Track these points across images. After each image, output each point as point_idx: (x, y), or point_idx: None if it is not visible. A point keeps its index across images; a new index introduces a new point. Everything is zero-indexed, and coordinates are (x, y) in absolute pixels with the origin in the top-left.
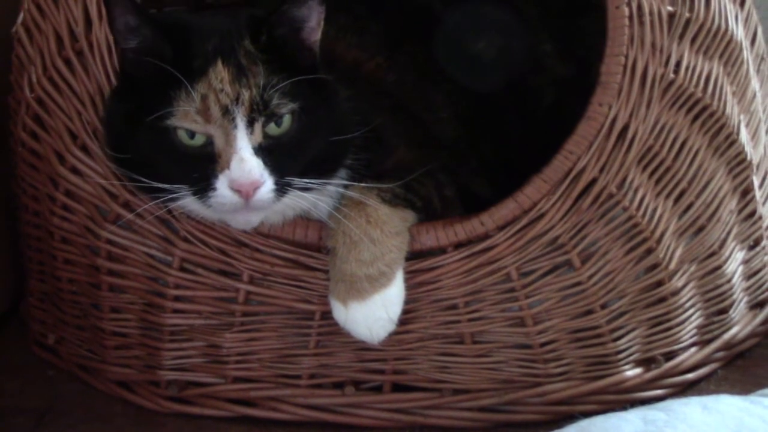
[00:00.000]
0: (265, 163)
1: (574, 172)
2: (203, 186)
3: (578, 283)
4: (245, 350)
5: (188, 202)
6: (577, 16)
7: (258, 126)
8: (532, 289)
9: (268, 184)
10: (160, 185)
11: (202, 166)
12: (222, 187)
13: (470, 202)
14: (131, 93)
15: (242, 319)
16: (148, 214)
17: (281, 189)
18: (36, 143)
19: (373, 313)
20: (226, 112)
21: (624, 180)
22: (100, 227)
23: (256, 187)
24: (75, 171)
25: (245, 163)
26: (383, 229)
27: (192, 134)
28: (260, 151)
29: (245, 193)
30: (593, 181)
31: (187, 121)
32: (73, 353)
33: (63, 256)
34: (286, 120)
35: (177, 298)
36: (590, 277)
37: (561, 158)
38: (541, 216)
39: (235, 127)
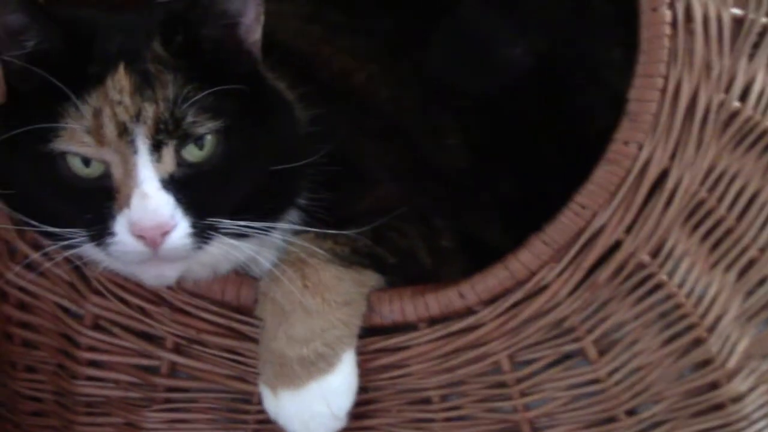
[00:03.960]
0: (178, 199)
1: (587, 234)
2: (100, 230)
3: (595, 381)
4: None
5: (87, 250)
6: None
7: (168, 151)
8: (531, 385)
9: (181, 228)
10: (50, 229)
11: (98, 204)
12: (122, 231)
13: (482, 255)
14: (15, 112)
15: (166, 395)
16: (57, 255)
17: (202, 234)
18: None
19: (310, 407)
20: (123, 131)
21: (661, 245)
22: (6, 268)
23: (164, 231)
24: None
25: (149, 201)
26: (325, 297)
27: (86, 162)
28: (172, 183)
29: (150, 239)
30: (616, 246)
31: (74, 143)
32: None
33: None
34: (209, 143)
35: (91, 363)
36: (611, 373)
37: (569, 214)
38: (543, 290)
39: (135, 152)
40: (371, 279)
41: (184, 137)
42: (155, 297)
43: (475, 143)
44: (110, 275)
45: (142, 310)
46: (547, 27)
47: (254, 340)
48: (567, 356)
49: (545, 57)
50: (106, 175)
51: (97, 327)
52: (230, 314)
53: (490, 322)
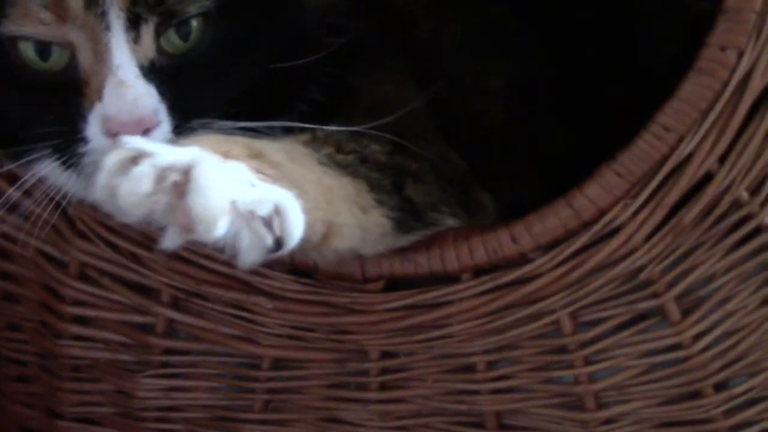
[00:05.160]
0: (161, 92)
1: (671, 163)
2: (68, 137)
3: (676, 347)
4: (166, 404)
5: (53, 172)
6: None
7: (147, 31)
8: (597, 350)
9: (164, 129)
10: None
11: (63, 106)
12: (95, 133)
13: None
14: None
15: (162, 359)
16: (39, 192)
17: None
18: None
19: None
20: (92, 2)
21: (764, 180)
22: None
23: (145, 128)
24: None
25: (126, 90)
26: None
27: (43, 50)
28: (153, 72)
29: (128, 131)
30: (707, 178)
31: (29, 22)
32: None
33: None
34: (195, 27)
35: (77, 319)
36: (697, 337)
37: (649, 138)
38: (614, 233)
39: (108, 27)
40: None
41: (167, 16)
42: (149, 240)
43: (523, 86)
44: (98, 215)
45: (134, 257)
46: None
47: (264, 293)
48: (642, 316)
49: None
50: (72, 66)
51: (83, 277)
52: None
53: (548, 272)
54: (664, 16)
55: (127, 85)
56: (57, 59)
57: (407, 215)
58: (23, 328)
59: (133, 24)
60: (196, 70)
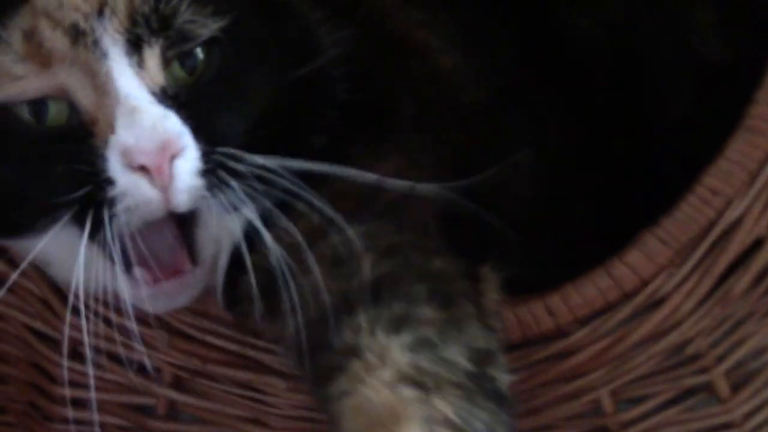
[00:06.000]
0: (180, 116)
1: (719, 228)
2: (91, 192)
3: (727, 426)
4: None
5: (67, 238)
6: None
7: (152, 54)
8: (640, 430)
9: (191, 155)
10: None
11: (78, 159)
12: (116, 168)
13: None
14: None
15: None
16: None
17: (214, 168)
18: None
19: None
20: (78, 34)
21: None
22: None
23: (171, 153)
24: None
25: (141, 114)
26: None
27: (37, 109)
28: (167, 98)
29: (156, 166)
30: (757, 244)
31: (7, 83)
32: None
33: None
34: (201, 59)
35: (70, 401)
36: (749, 415)
37: (694, 201)
38: (658, 304)
39: (105, 55)
40: None
41: (175, 39)
42: (148, 317)
43: (550, 153)
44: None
45: (132, 334)
46: None
47: (276, 372)
48: (690, 392)
49: (621, 28)
50: (74, 115)
51: (76, 355)
52: (245, 339)
53: (587, 347)
54: (676, 68)
55: (140, 110)
56: (56, 114)
57: None
58: (10, 409)
59: (135, 47)
60: (212, 92)
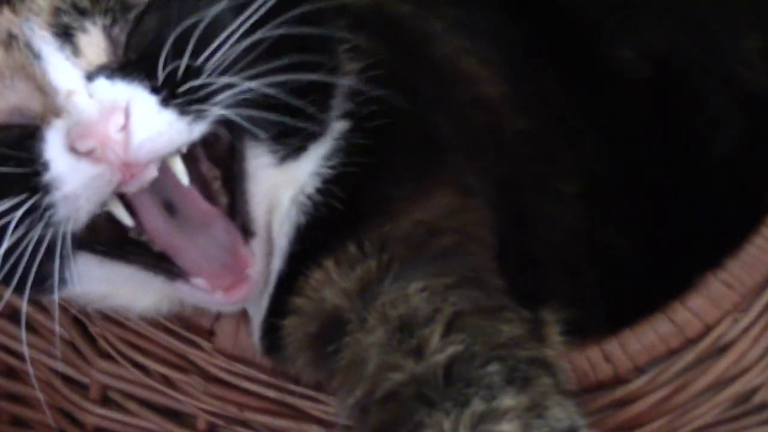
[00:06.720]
0: (126, 72)
1: None
2: (29, 182)
3: None
4: None
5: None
6: None
7: (90, 38)
8: None
9: (141, 99)
10: None
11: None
12: (56, 151)
13: None
14: None
15: None
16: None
17: (179, 96)
18: None
19: None
20: (8, 38)
21: None
22: None
23: (115, 119)
24: None
25: (77, 95)
26: None
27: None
28: (104, 69)
29: (101, 140)
30: None
31: None
32: None
33: None
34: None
35: None
36: None
37: (761, 243)
38: (723, 351)
39: (37, 56)
40: None
41: (117, 11)
42: (183, 361)
43: (594, 185)
44: (124, 333)
45: (166, 379)
46: (666, 18)
47: (316, 420)
48: None
49: (664, 58)
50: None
51: (106, 401)
52: (285, 385)
53: (648, 395)
54: (724, 96)
55: (75, 91)
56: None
57: None
58: None
59: (65, 37)
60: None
